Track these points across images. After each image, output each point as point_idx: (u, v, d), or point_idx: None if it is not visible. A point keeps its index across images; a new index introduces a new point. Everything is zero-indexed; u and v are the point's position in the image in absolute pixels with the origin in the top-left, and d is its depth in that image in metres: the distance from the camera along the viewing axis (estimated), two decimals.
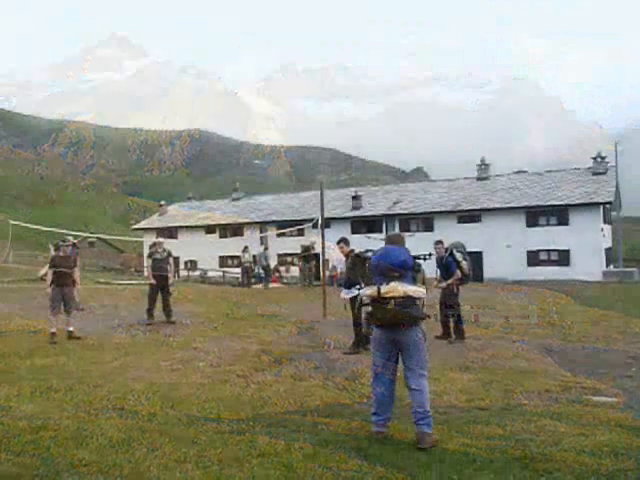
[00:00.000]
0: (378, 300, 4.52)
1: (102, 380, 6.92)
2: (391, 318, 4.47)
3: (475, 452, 4.13)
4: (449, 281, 9.84)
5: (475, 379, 6.58)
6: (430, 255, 5.27)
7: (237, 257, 39.92)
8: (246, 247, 28.42)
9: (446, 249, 10.16)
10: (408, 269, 4.60)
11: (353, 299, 8.13)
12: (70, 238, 11.47)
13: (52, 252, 11.26)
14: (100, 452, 4.37)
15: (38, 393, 6.33)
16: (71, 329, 10.28)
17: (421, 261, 4.78)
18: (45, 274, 11.11)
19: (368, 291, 4.65)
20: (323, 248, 14.37)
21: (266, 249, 29.01)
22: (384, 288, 4.49)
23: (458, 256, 10.01)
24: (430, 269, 6.63)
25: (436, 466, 3.90)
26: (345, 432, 4.71)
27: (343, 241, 9.51)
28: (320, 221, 14.05)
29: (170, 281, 12.31)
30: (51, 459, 4.26)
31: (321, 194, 14.43)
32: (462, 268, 9.98)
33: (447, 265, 9.95)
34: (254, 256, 28.69)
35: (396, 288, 4.45)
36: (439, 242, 10.40)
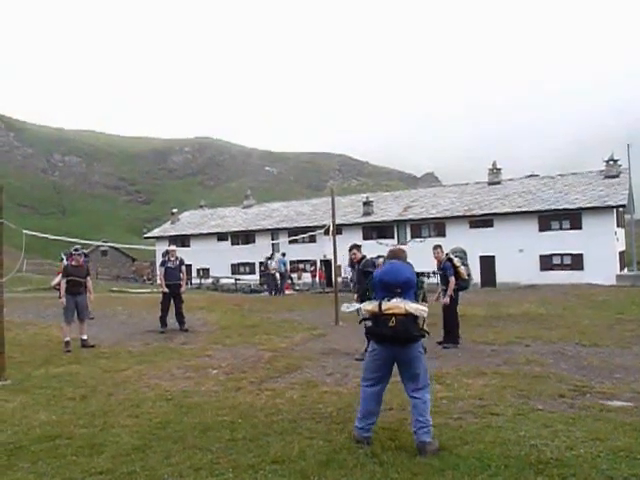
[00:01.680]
0: (379, 316, 4.45)
1: (116, 388, 6.97)
2: (392, 335, 4.37)
3: (489, 458, 4.11)
4: (446, 299, 9.77)
5: (489, 384, 6.54)
6: (435, 273, 5.23)
7: (249, 264, 40.10)
8: (273, 254, 27.64)
9: (446, 254, 10.12)
10: (411, 286, 4.55)
11: None
12: (78, 247, 11.47)
13: (65, 261, 11.34)
14: (115, 460, 4.40)
15: (53, 401, 6.39)
16: (85, 337, 10.37)
17: (425, 278, 4.73)
18: (58, 283, 11.19)
19: (369, 306, 4.56)
20: (335, 254, 14.38)
21: (284, 255, 28.99)
22: (385, 304, 4.42)
23: (456, 261, 9.95)
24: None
25: (450, 472, 3.89)
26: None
27: (355, 247, 9.51)
28: (331, 227, 14.07)
29: (182, 289, 12.37)
30: (66, 467, 4.30)
31: (332, 200, 14.46)
32: (460, 273, 9.92)
33: (444, 269, 9.91)
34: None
35: (398, 305, 4.38)
36: (437, 246, 10.31)
